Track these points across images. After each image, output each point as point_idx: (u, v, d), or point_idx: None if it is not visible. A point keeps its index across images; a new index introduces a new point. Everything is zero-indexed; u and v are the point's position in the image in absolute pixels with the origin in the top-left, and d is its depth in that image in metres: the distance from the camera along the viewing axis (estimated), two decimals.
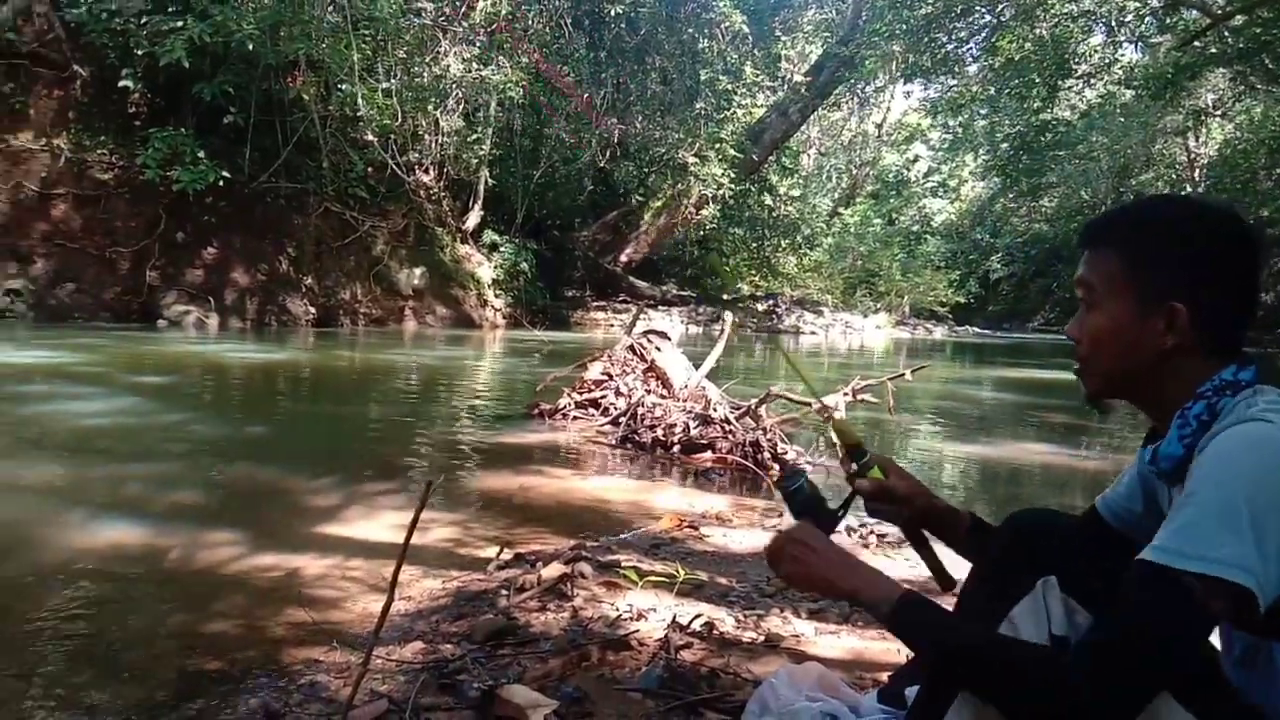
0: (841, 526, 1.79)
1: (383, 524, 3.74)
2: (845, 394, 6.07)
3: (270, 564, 3.15)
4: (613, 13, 20.72)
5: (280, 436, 6.15)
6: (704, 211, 24.33)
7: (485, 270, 19.90)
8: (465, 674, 2.13)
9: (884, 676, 2.08)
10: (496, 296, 19.96)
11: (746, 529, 3.83)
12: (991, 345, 27.72)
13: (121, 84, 14.07)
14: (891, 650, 2.39)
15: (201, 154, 14.09)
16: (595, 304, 23.39)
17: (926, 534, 1.66)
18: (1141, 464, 1.40)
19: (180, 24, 13.40)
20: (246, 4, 14.44)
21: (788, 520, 1.91)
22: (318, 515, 3.91)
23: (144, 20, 13.70)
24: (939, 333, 32.66)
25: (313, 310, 16.07)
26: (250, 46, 13.86)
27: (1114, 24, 23.77)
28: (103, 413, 6.35)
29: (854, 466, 1.63)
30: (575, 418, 6.61)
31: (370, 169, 17.18)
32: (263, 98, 15.23)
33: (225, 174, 14.21)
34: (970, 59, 25.45)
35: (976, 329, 37.18)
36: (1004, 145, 30.81)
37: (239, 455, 5.24)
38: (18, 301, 13.55)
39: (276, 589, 2.91)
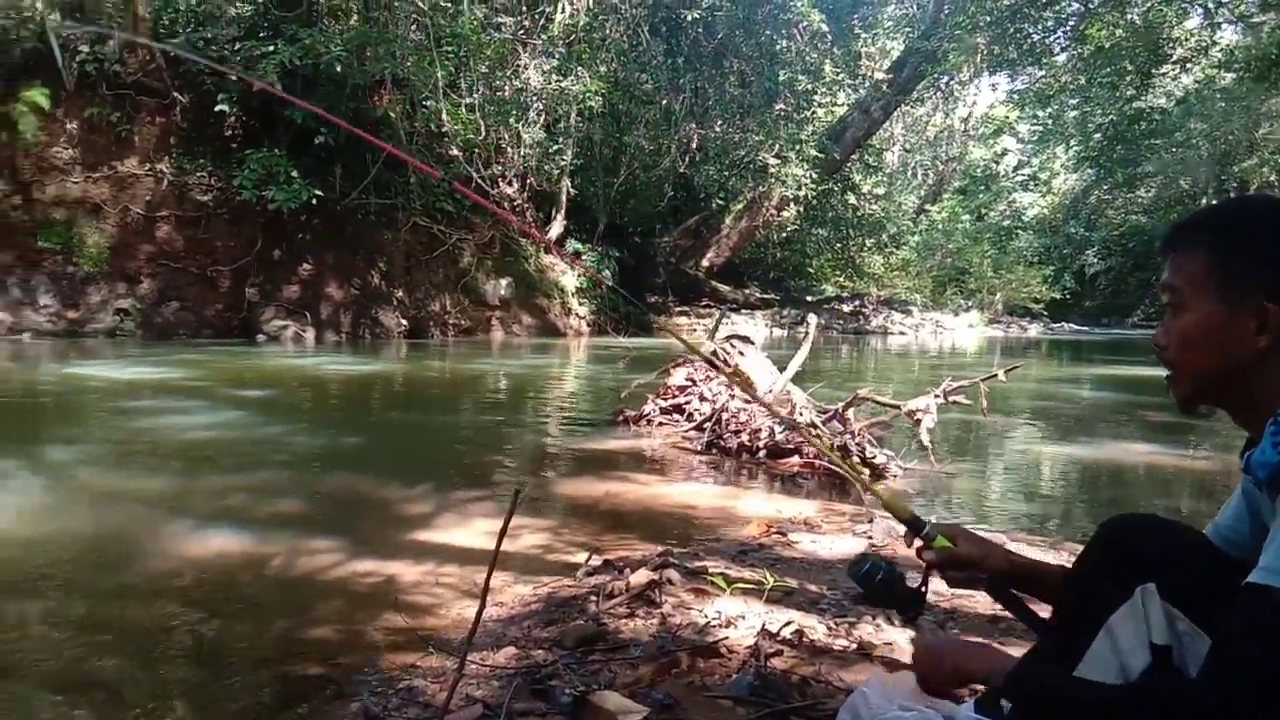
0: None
1: (474, 530, 3.81)
2: (936, 396, 5.93)
3: (368, 570, 3.23)
4: (689, 18, 20.72)
5: (375, 446, 6.31)
6: (785, 213, 24.13)
7: (569, 279, 20.10)
8: (557, 679, 2.15)
9: (980, 685, 2.03)
10: (580, 305, 20.15)
11: (836, 535, 3.77)
12: (1089, 342, 26.81)
13: (218, 108, 14.65)
14: None
15: (295, 174, 14.54)
16: (678, 309, 23.32)
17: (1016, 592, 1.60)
18: (1244, 478, 1.35)
19: (272, 48, 13.91)
20: (334, 27, 14.91)
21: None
22: (412, 523, 4.00)
23: (238, 47, 14.26)
24: (1034, 330, 31.70)
25: (404, 322, 16.45)
26: (338, 68, 14.29)
27: (1212, 5, 22.83)
28: (207, 425, 6.62)
29: (917, 541, 1.59)
30: (660, 424, 6.62)
31: (456, 183, 17.49)
32: (351, 117, 15.66)
33: (318, 192, 14.64)
34: (1058, 48, 24.70)
35: (1073, 326, 35.95)
36: (1096, 136, 29.83)
37: (337, 465, 5.40)
38: (126, 320, 14.24)
39: (374, 595, 2.99)
